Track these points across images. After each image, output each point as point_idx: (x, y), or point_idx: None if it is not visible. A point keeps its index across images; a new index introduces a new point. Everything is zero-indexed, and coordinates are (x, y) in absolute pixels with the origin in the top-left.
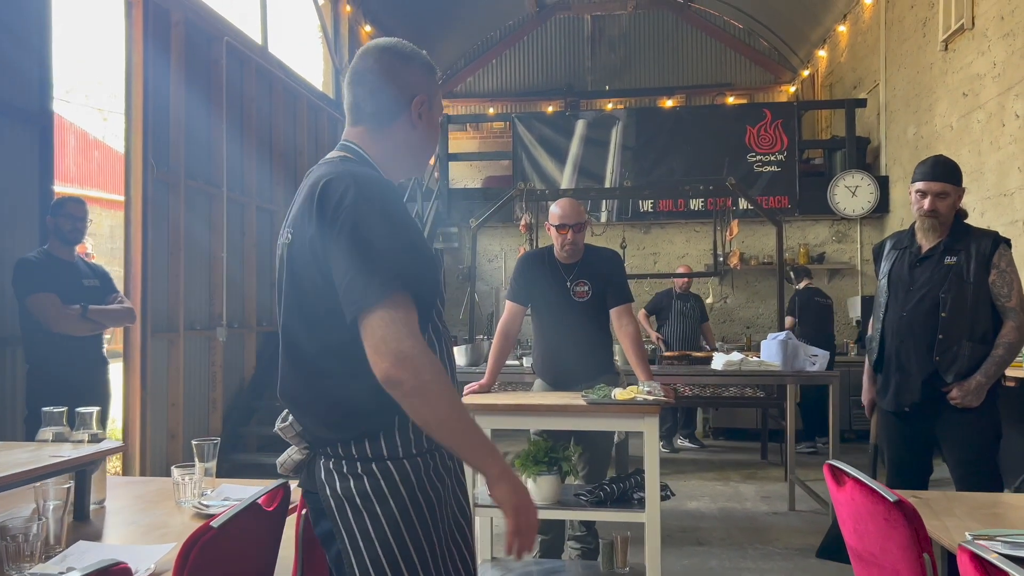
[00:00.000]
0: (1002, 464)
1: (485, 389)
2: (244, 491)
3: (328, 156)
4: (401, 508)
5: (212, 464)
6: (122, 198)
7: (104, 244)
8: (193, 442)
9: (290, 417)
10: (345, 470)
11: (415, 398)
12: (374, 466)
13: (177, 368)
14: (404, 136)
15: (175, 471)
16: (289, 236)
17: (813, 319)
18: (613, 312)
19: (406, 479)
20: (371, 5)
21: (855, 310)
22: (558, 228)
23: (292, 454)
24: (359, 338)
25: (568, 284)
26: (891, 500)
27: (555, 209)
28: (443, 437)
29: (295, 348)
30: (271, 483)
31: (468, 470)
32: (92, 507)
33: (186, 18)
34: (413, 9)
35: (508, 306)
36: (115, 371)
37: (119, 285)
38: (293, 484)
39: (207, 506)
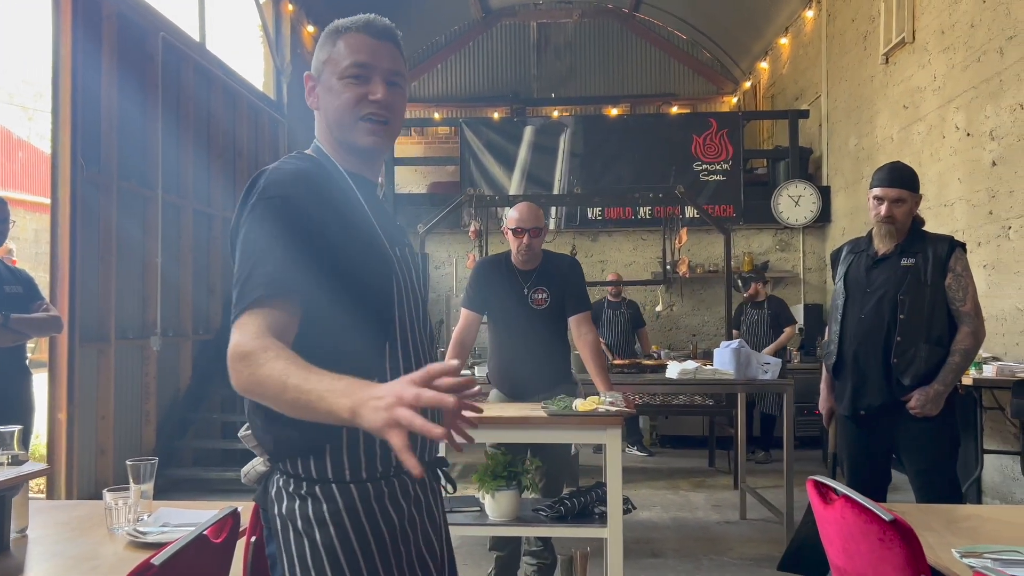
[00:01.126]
0: None
1: None
2: (184, 515)
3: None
4: (342, 538)
5: (149, 486)
6: (48, 200)
7: (29, 248)
8: (128, 462)
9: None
10: (291, 489)
11: (249, 395)
12: (317, 488)
13: (108, 379)
14: (321, 123)
15: (107, 495)
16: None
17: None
18: (572, 320)
19: (351, 506)
20: (314, 5)
21: (798, 317)
22: (515, 232)
23: (256, 465)
24: (298, 343)
25: (526, 291)
26: (886, 519)
27: (513, 213)
28: (294, 414)
29: None
30: (217, 510)
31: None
32: (12, 536)
33: (119, 11)
34: (357, 10)
35: (463, 314)
36: (39, 382)
37: (44, 292)
38: (241, 507)
39: (143, 533)
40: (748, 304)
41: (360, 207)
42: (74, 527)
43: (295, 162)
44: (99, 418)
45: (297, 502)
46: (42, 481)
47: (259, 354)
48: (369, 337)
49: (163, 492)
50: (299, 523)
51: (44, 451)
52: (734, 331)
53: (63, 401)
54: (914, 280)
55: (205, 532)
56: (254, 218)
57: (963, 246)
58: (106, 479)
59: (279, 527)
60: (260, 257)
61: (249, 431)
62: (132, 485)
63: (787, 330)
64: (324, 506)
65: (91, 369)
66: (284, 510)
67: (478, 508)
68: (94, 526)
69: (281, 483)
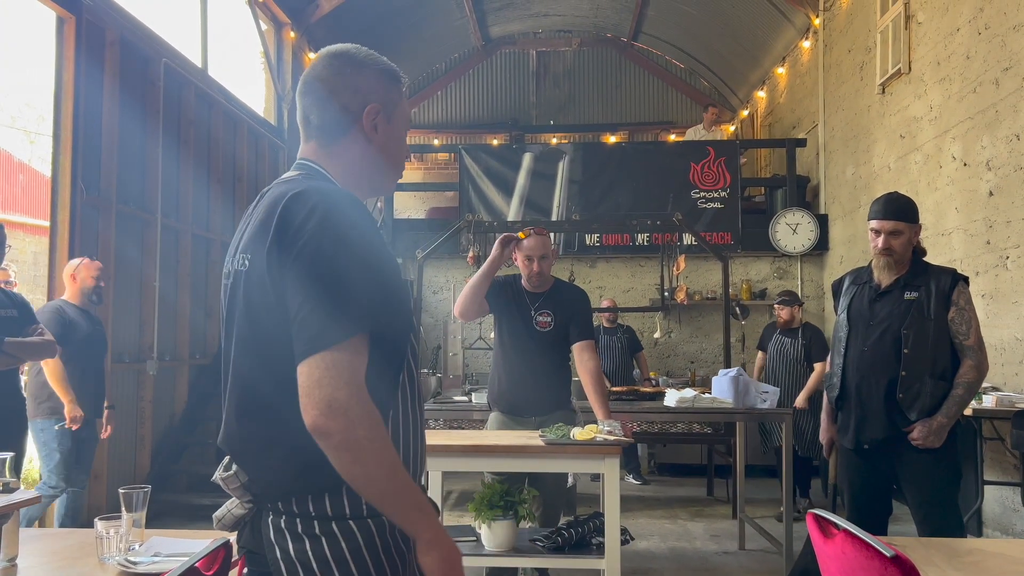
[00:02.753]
0: None
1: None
2: (176, 544)
3: (285, 175)
4: (363, 574)
5: (141, 515)
6: (47, 223)
7: (27, 271)
8: (120, 490)
9: (234, 466)
10: (300, 530)
11: (344, 452)
12: (334, 526)
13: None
14: (360, 151)
15: (99, 523)
16: (246, 262)
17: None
18: (575, 347)
19: (370, 541)
20: (316, 32)
21: None
22: (525, 257)
23: (232, 508)
24: None
25: (531, 313)
26: (887, 555)
27: (524, 241)
28: (371, 497)
29: (248, 388)
30: (209, 539)
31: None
32: (2, 566)
33: (122, 37)
34: (358, 38)
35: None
36: None
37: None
38: (233, 537)
39: (134, 563)
40: (779, 331)
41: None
42: (65, 556)
43: (324, 183)
44: None
45: (307, 543)
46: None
47: (375, 417)
48: (389, 368)
49: (157, 518)
50: (314, 565)
51: (37, 476)
52: (759, 352)
53: None
54: (917, 314)
55: (196, 564)
56: (327, 240)
57: (966, 279)
58: (99, 505)
59: (285, 572)
60: (351, 289)
61: (231, 472)
62: (124, 514)
63: (818, 366)
64: (343, 544)
65: None
66: (293, 552)
67: (474, 538)
68: (85, 555)
69: (283, 524)
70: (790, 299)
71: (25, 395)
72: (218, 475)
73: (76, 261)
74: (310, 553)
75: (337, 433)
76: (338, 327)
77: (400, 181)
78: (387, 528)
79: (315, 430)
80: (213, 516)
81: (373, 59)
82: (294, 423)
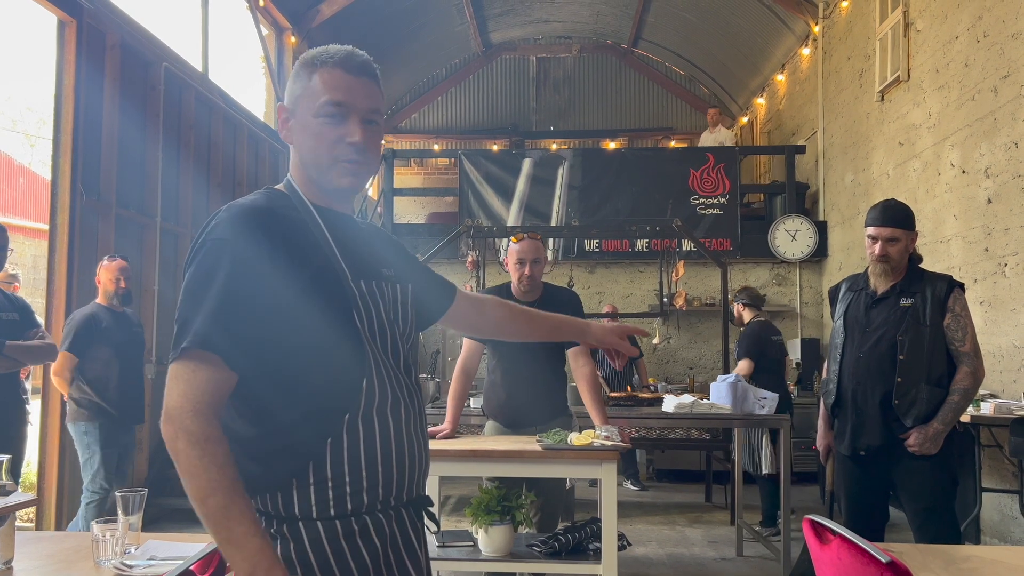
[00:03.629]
0: None
1: (449, 436)
2: (172, 548)
3: None
4: None
5: (137, 518)
6: (47, 226)
7: (27, 275)
8: (117, 493)
9: None
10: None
11: (174, 459)
12: (285, 527)
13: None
14: (293, 153)
15: (95, 526)
16: None
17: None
18: (570, 352)
19: (318, 545)
20: (317, 37)
21: (795, 353)
22: (516, 263)
23: None
24: (260, 374)
25: None
26: (883, 561)
27: (514, 245)
28: (199, 515)
29: None
30: (205, 543)
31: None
32: None
33: (122, 41)
34: (359, 43)
35: (465, 343)
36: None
37: (40, 319)
38: None
39: (130, 567)
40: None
41: (320, 244)
42: (61, 559)
43: (255, 198)
44: None
45: None
46: (32, 512)
47: (210, 442)
48: (341, 373)
49: (154, 522)
50: None
51: (35, 480)
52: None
53: (55, 430)
54: (913, 320)
55: (191, 567)
56: (202, 257)
57: (962, 286)
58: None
59: None
60: (203, 303)
61: None
62: (121, 517)
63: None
64: (291, 545)
65: None
66: None
67: (471, 543)
68: (81, 558)
69: None
70: (737, 296)
71: (66, 400)
72: None
73: (102, 261)
74: None
75: (167, 440)
76: (182, 339)
77: (399, 186)
78: (341, 533)
79: (163, 436)
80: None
81: (302, 57)
82: (230, 422)
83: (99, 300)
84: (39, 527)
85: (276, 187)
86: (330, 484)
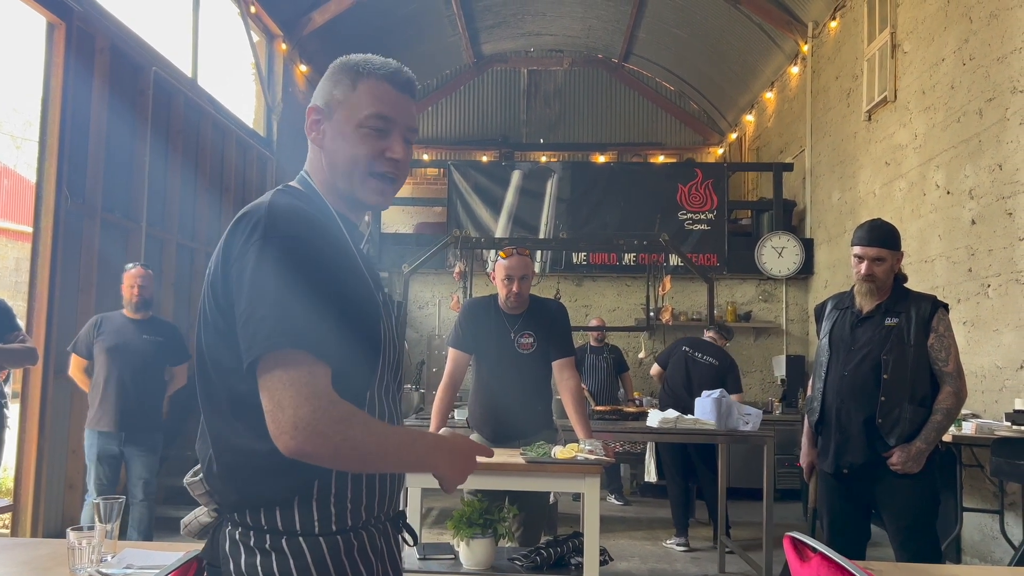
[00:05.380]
0: None
1: None
2: (148, 556)
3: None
4: None
5: (115, 526)
6: (31, 229)
7: (9, 277)
8: (94, 501)
9: (201, 473)
10: (252, 543)
11: (337, 463)
12: (284, 542)
13: (81, 413)
14: (317, 159)
15: (71, 534)
16: (207, 276)
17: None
18: (555, 365)
19: (320, 561)
20: (307, 45)
21: (780, 369)
22: (504, 277)
23: (199, 515)
24: None
25: (512, 335)
26: None
27: (502, 260)
28: (380, 471)
29: (206, 394)
30: (180, 552)
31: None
32: None
33: (112, 45)
34: (351, 52)
35: (452, 354)
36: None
37: (21, 322)
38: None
39: (105, 575)
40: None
41: (351, 251)
42: (35, 567)
43: (291, 199)
44: (70, 452)
45: (259, 557)
46: (7, 516)
47: (356, 415)
48: (353, 382)
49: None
50: None
51: (11, 485)
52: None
53: (34, 434)
54: (897, 340)
55: None
56: (269, 256)
57: (946, 306)
58: (74, 515)
59: None
60: (274, 304)
61: (197, 478)
62: (98, 524)
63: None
64: (291, 562)
65: (64, 402)
66: (244, 566)
67: (452, 556)
68: (56, 565)
69: (238, 536)
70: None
71: None
72: (186, 479)
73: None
74: (259, 567)
75: (319, 453)
76: (264, 338)
77: None
78: (342, 549)
79: (296, 455)
80: (180, 522)
81: (342, 61)
82: (244, 430)
83: (124, 308)
84: (15, 533)
85: (291, 184)
86: (332, 500)
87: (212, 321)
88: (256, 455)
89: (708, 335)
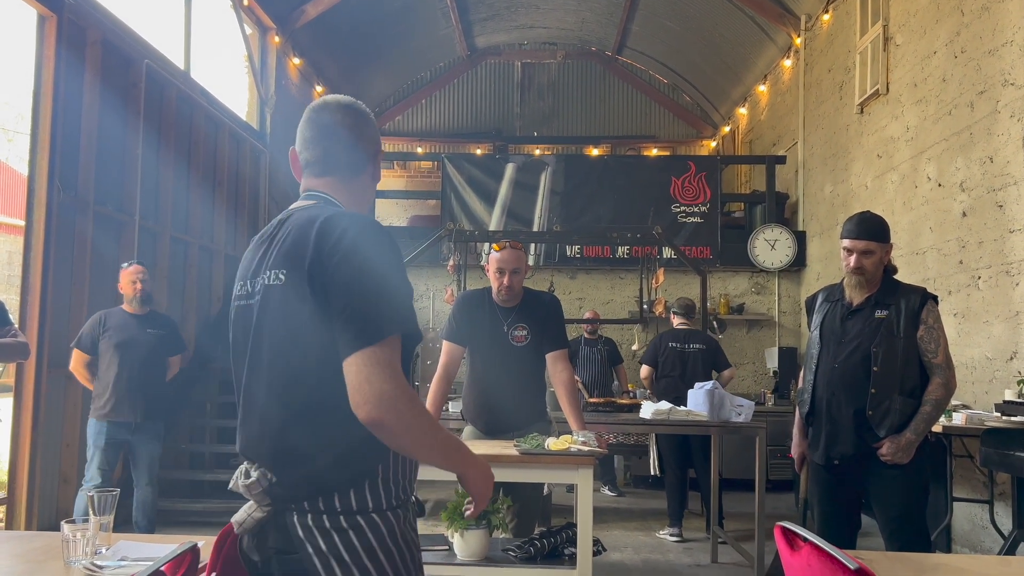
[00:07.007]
0: None
1: None
2: (143, 548)
3: (301, 203)
4: (390, 561)
5: (109, 518)
6: (23, 222)
7: (1, 271)
8: (89, 494)
9: (255, 473)
10: (328, 525)
11: (401, 439)
12: (360, 519)
13: (75, 406)
14: (364, 185)
15: (65, 527)
16: (280, 276)
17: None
18: (549, 357)
19: (392, 531)
20: (301, 38)
21: (772, 361)
22: (497, 272)
23: (252, 512)
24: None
25: (506, 328)
26: (851, 567)
27: (495, 253)
28: (427, 459)
29: (281, 391)
30: (175, 543)
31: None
32: None
33: (104, 37)
34: (344, 45)
35: (446, 347)
36: (5, 407)
37: (15, 316)
38: (202, 542)
39: (99, 567)
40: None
41: None
42: (29, 559)
43: (346, 210)
44: (64, 446)
45: (336, 535)
46: (2, 509)
47: (417, 401)
48: (406, 365)
49: (127, 523)
50: (346, 556)
51: (6, 478)
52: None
53: (28, 428)
54: (887, 332)
55: (162, 568)
56: (364, 253)
57: (935, 298)
58: (68, 508)
59: (319, 566)
60: (386, 294)
61: (252, 480)
62: (92, 517)
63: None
64: (369, 534)
65: (58, 395)
66: (325, 547)
67: (446, 547)
68: (50, 558)
69: (310, 521)
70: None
71: None
72: (238, 483)
73: (122, 267)
74: (340, 546)
75: (391, 423)
76: (378, 328)
77: (382, 188)
78: (402, 520)
79: (370, 423)
80: (232, 520)
81: (368, 112)
82: (334, 418)
83: (124, 304)
84: (9, 527)
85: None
86: (392, 480)
87: (307, 318)
88: (346, 438)
89: (677, 321)
